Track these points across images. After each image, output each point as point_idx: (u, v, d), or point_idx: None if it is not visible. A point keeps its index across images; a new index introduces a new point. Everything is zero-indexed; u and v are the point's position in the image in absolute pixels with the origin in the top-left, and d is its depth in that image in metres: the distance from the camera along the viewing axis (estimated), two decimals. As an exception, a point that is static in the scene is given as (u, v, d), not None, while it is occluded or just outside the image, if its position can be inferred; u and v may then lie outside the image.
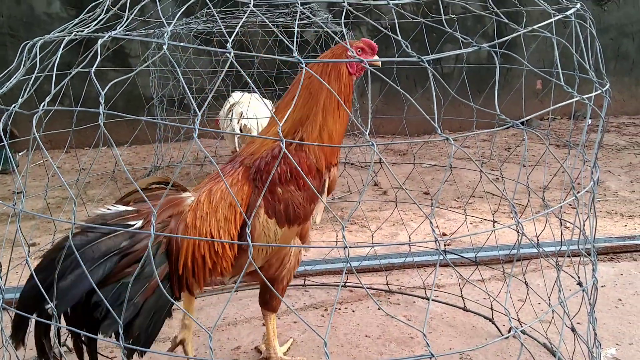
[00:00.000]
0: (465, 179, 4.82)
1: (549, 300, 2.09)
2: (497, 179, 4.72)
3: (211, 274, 1.84)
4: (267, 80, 5.38)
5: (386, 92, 6.21)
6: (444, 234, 3.57)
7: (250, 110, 4.22)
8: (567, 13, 1.34)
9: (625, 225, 3.70)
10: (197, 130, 1.02)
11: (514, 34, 1.23)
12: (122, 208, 1.73)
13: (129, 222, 1.68)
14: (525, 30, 1.24)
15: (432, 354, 1.06)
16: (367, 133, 1.09)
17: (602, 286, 2.86)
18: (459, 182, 4.67)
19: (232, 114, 4.25)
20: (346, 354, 2.33)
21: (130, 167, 5.46)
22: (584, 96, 1.27)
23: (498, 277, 2.96)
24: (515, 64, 6.02)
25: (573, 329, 1.90)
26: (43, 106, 1.20)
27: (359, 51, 2.02)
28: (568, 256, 2.23)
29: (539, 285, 2.76)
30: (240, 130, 4.27)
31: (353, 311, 2.67)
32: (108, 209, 1.71)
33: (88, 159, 5.87)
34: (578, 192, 1.27)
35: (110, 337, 1.57)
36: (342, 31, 5.10)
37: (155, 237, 1.69)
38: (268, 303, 2.13)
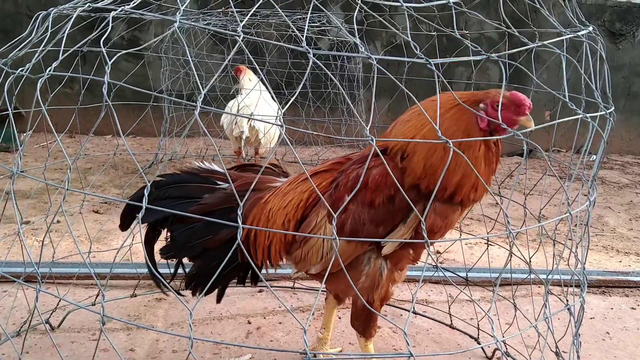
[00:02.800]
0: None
1: (536, 322, 2.08)
2: (496, 203, 4.71)
3: (268, 253, 1.88)
4: (278, 84, 5.39)
5: (394, 109, 6.23)
6: (438, 252, 3.56)
7: (259, 111, 4.23)
8: (579, 33, 1.34)
9: (620, 261, 3.69)
10: (199, 106, 1.02)
11: (526, 47, 1.24)
12: (215, 167, 2.00)
13: (218, 182, 1.94)
14: (537, 45, 1.24)
15: (411, 353, 1.05)
16: (367, 128, 1.09)
17: (591, 318, 2.85)
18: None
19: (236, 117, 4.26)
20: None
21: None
22: (588, 115, 1.27)
23: (487, 299, 2.94)
24: (527, 92, 6.04)
25: (557, 353, 1.89)
26: (49, 71, 1.20)
27: (497, 105, 1.57)
28: (559, 285, 2.23)
29: (528, 311, 2.75)
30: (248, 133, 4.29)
31: (339, 318, 2.66)
32: (204, 164, 2.00)
33: (91, 145, 5.89)
34: (573, 210, 1.26)
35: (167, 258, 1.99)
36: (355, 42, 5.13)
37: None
38: (353, 323, 1.94)
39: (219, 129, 4.88)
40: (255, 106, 4.27)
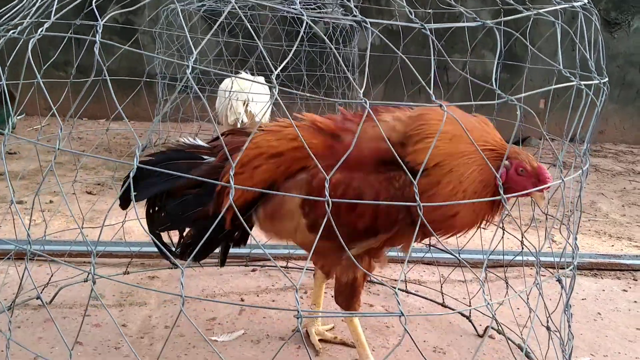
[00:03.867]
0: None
1: (527, 296, 2.09)
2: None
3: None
4: (272, 69, 5.35)
5: (389, 95, 6.22)
6: (432, 235, 3.56)
7: (253, 96, 4.20)
8: (574, 4, 1.34)
9: (613, 246, 3.71)
10: (190, 66, 1.01)
11: (521, 15, 1.23)
12: (199, 142, 2.06)
13: (203, 156, 1.99)
14: (534, 12, 1.24)
15: (401, 312, 1.05)
16: (360, 90, 1.08)
17: (582, 299, 2.86)
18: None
19: (232, 100, 4.23)
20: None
21: (127, 141, 5.45)
22: (583, 83, 1.27)
23: (479, 280, 2.95)
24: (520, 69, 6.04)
25: (548, 327, 1.90)
26: (41, 32, 1.19)
27: (521, 171, 1.63)
28: (552, 267, 2.24)
29: (519, 290, 2.75)
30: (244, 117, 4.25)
31: (332, 296, 2.66)
32: (189, 140, 2.06)
33: (85, 128, 5.86)
34: (565, 177, 1.26)
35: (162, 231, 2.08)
36: (353, 25, 5.11)
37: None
38: (336, 299, 2.02)
39: (213, 115, 4.86)
40: (249, 89, 4.25)
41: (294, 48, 1.15)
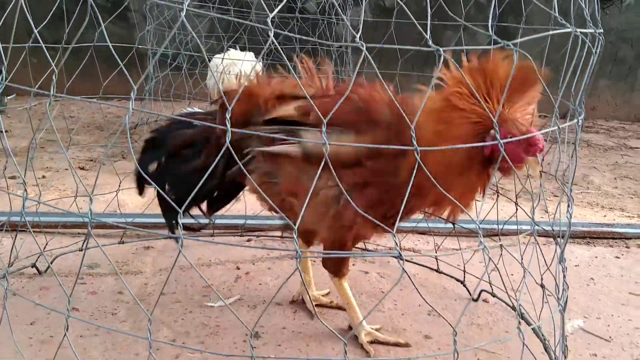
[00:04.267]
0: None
1: (522, 260, 2.10)
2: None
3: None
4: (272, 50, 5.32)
5: (382, 71, 6.19)
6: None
7: (244, 68, 4.17)
8: None
9: (605, 216, 3.73)
10: (185, 8, 1.00)
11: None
12: (197, 109, 2.24)
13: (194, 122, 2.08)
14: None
15: (400, 254, 1.05)
16: (357, 35, 1.08)
17: (575, 265, 2.89)
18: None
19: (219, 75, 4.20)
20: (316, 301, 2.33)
21: (119, 119, 5.42)
22: (579, 30, 1.27)
23: (473, 248, 2.97)
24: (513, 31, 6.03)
25: (542, 285, 1.91)
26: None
27: (509, 137, 1.51)
28: (546, 236, 2.25)
29: (514, 259, 2.77)
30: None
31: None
32: (189, 109, 2.27)
33: (76, 107, 5.82)
34: (562, 125, 1.27)
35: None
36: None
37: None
38: (324, 264, 2.08)
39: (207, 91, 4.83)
40: (241, 64, 4.22)
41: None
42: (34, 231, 2.63)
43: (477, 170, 1.60)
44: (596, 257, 3.03)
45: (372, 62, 1.06)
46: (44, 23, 2.00)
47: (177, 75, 4.96)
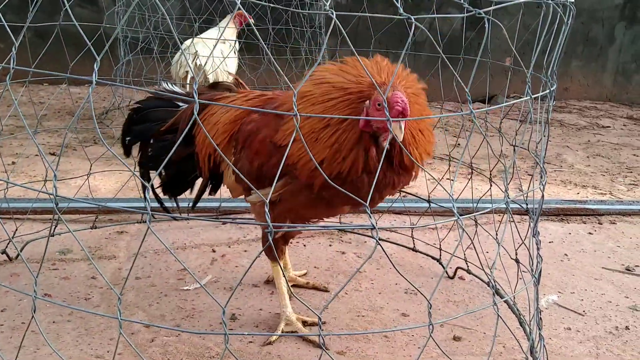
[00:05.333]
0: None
1: (496, 235, 2.11)
2: (458, 144, 4.76)
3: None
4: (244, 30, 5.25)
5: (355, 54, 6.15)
6: (401, 186, 3.58)
7: (206, 50, 4.06)
8: None
9: (578, 193, 3.77)
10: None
11: None
12: (176, 89, 2.26)
13: (179, 104, 2.15)
14: None
15: (373, 226, 1.04)
16: (328, 3, 1.06)
17: (549, 242, 2.91)
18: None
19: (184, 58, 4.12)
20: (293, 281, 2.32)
21: (89, 104, 5.31)
22: (551, 0, 1.26)
23: (449, 227, 2.98)
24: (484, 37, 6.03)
25: (517, 260, 1.92)
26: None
27: (378, 105, 1.52)
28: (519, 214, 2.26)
29: (489, 237, 2.79)
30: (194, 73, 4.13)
31: (304, 245, 2.66)
32: (168, 86, 2.30)
33: (46, 93, 5.70)
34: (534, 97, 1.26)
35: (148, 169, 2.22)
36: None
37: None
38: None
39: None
40: (210, 48, 4.11)
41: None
42: (3, 217, 2.58)
43: (354, 140, 1.59)
44: (570, 233, 3.06)
45: (344, 31, 1.04)
46: (4, 2, 1.95)
47: (148, 59, 4.88)
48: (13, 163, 3.51)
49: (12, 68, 1.10)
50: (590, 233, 3.09)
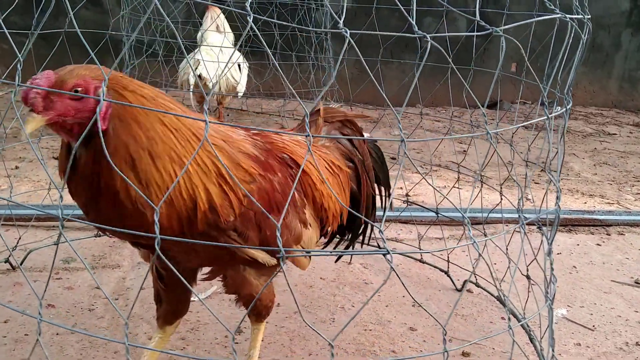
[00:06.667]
0: (432, 148, 4.80)
1: (507, 250, 2.09)
2: (464, 151, 4.73)
3: None
4: (250, 36, 5.23)
5: (361, 62, 6.13)
6: (407, 194, 3.55)
7: (208, 58, 4.05)
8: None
9: (585, 203, 3.74)
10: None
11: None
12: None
13: None
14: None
15: (387, 251, 1.01)
16: (341, 21, 1.03)
17: (558, 253, 2.88)
18: (426, 151, 4.66)
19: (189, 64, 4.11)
20: (299, 293, 2.30)
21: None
22: (567, 16, 1.24)
23: (456, 237, 2.95)
24: (493, 43, 6.01)
25: (528, 276, 1.89)
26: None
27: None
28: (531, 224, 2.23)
29: (496, 248, 2.76)
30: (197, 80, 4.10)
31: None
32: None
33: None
34: (550, 113, 1.23)
35: None
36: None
37: None
38: None
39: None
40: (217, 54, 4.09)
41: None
42: (5, 224, 2.55)
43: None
44: (578, 244, 3.03)
45: (357, 49, 1.02)
46: (10, 8, 1.93)
47: (153, 63, 4.86)
48: (17, 168, 3.49)
49: (17, 85, 1.07)
50: (598, 244, 3.05)
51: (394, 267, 1.16)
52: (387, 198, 2.02)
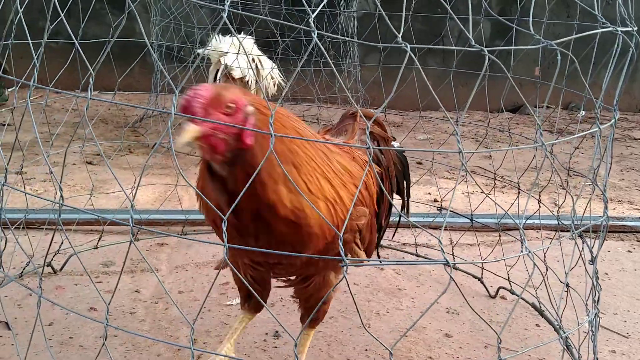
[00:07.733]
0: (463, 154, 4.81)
1: (544, 258, 2.10)
2: (489, 156, 4.74)
3: None
4: (268, 37, 5.28)
5: (384, 64, 6.16)
6: (436, 200, 3.57)
7: (232, 53, 4.00)
8: None
9: (614, 209, 3.73)
10: None
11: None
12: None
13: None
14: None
15: (447, 261, 1.04)
16: (399, 35, 1.06)
17: (589, 260, 2.88)
18: (452, 156, 4.67)
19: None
20: (335, 299, 2.32)
21: (122, 112, 5.38)
22: (614, 27, 1.25)
23: (488, 243, 2.96)
24: (519, 44, 5.99)
25: (567, 284, 1.90)
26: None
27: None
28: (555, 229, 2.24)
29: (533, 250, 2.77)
30: (227, 75, 4.07)
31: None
32: None
33: (79, 101, 5.77)
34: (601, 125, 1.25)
35: None
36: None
37: None
38: None
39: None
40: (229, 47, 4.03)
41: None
42: (48, 229, 2.61)
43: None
44: (609, 251, 3.03)
45: (417, 63, 1.04)
46: (51, 18, 1.98)
47: (182, 69, 4.91)
48: (50, 172, 3.56)
49: (33, 85, 1.11)
50: (629, 251, 3.05)
51: (428, 273, 1.18)
52: (404, 209, 2.05)
